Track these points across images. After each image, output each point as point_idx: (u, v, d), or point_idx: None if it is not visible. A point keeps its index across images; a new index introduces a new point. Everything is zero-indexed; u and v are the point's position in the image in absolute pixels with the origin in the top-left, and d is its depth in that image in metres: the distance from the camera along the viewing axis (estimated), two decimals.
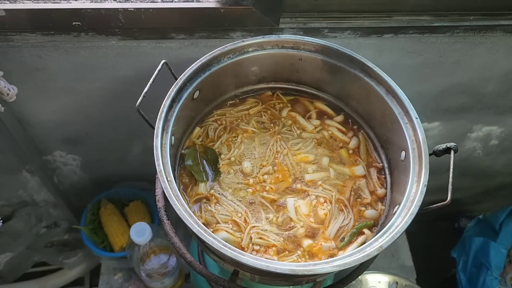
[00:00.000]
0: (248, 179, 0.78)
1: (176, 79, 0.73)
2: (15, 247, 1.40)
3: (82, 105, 1.07)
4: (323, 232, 0.73)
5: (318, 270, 0.57)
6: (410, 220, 0.61)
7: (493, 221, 1.53)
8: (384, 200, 0.77)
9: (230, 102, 0.87)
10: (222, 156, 0.80)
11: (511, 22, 0.94)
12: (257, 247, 0.70)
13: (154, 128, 0.68)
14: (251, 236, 0.71)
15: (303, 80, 0.87)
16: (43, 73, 0.95)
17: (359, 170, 0.80)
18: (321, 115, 0.87)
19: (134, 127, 1.09)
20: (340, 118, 0.87)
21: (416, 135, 0.69)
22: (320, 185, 0.78)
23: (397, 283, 1.24)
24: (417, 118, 0.70)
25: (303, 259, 0.70)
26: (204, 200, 0.75)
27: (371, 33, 0.92)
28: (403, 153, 0.72)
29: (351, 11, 0.88)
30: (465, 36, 0.96)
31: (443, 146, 0.69)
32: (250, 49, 0.79)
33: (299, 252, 0.70)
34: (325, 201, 0.76)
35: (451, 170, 0.65)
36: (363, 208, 0.76)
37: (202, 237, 0.58)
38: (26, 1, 0.81)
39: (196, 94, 0.77)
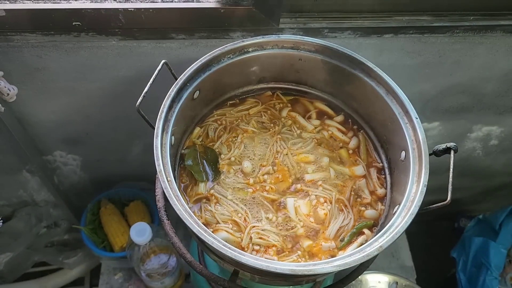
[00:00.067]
0: (248, 179, 0.78)
1: (176, 79, 0.73)
2: (15, 247, 1.40)
3: (82, 105, 1.07)
4: (323, 232, 0.73)
5: (318, 270, 0.57)
6: (410, 220, 0.61)
7: (493, 221, 1.53)
8: (384, 200, 0.77)
9: (230, 102, 0.87)
10: (222, 156, 0.80)
11: (511, 22, 0.94)
12: (257, 247, 0.70)
13: (154, 128, 0.68)
14: (251, 236, 0.71)
15: (303, 80, 0.87)
16: (43, 73, 0.95)
17: (359, 170, 0.80)
18: (321, 115, 0.87)
19: (134, 127, 1.09)
20: (340, 118, 0.87)
21: (416, 135, 0.70)
22: (320, 185, 0.78)
23: (397, 283, 1.24)
24: (417, 118, 0.70)
25: (303, 259, 0.70)
26: (204, 200, 0.75)
27: (371, 33, 0.92)
28: (403, 153, 0.72)
29: (351, 11, 0.88)
30: (465, 36, 0.96)
31: (443, 146, 0.69)
32: (250, 49, 0.79)
33: (299, 252, 0.70)
34: (325, 201, 0.76)
35: (451, 170, 0.65)
36: (363, 208, 0.76)
37: (202, 237, 0.58)
38: (26, 1, 0.81)
39: (196, 94, 0.77)
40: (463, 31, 0.94)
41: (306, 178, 0.78)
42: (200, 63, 0.74)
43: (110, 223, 1.32)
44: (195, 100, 0.78)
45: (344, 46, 0.78)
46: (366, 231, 0.73)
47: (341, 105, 0.87)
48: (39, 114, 1.08)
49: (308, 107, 0.88)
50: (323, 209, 0.75)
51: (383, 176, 0.80)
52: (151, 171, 0.65)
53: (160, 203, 0.71)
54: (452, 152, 0.67)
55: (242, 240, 0.71)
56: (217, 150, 0.81)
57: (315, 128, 0.85)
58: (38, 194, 1.40)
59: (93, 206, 1.36)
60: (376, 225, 0.74)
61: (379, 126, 0.81)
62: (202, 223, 0.64)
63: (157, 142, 0.66)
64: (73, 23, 0.82)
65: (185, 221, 0.59)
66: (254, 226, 0.72)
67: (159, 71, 0.72)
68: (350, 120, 0.86)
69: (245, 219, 0.73)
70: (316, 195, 0.76)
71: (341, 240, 0.72)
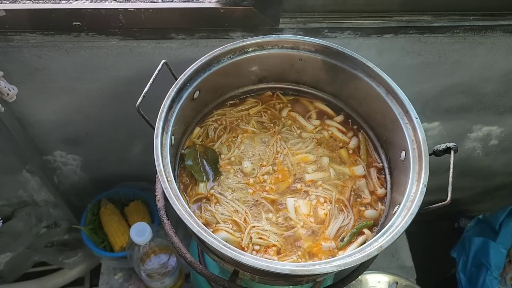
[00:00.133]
0: (248, 179, 0.78)
1: (176, 79, 0.73)
2: (15, 247, 1.40)
3: (82, 105, 1.07)
4: (323, 232, 0.73)
5: (318, 270, 0.57)
6: (410, 220, 0.61)
7: (493, 221, 1.53)
8: (384, 200, 0.77)
9: (230, 102, 0.87)
10: (222, 156, 0.80)
11: (511, 22, 0.94)
12: (257, 247, 0.70)
13: (154, 128, 0.68)
14: (251, 236, 0.71)
15: (303, 80, 0.87)
16: (43, 73, 0.95)
17: (359, 170, 0.80)
18: (321, 115, 0.87)
19: (134, 127, 1.09)
20: (340, 118, 0.87)
21: (416, 135, 0.70)
22: (320, 185, 0.78)
23: (397, 283, 1.24)
24: (417, 118, 0.70)
25: (303, 259, 0.70)
26: (204, 200, 0.75)
27: (371, 33, 0.92)
28: (403, 153, 0.72)
29: (351, 11, 0.88)
30: (465, 36, 0.96)
31: (443, 146, 0.69)
32: (250, 49, 0.79)
33: (299, 252, 0.70)
34: (325, 201, 0.76)
35: (451, 170, 0.65)
36: (363, 208, 0.76)
37: (202, 237, 0.58)
38: (26, 1, 0.81)
39: (196, 94, 0.77)
40: (463, 31, 0.94)
41: (306, 178, 0.78)
42: (200, 63, 0.74)
43: (110, 223, 1.32)
44: (195, 100, 0.78)
45: (344, 46, 0.78)
46: (366, 231, 0.73)
47: (341, 105, 0.87)
48: (39, 114, 1.08)
49: (308, 107, 0.88)
50: (323, 209, 0.75)
51: (383, 176, 0.80)
52: (151, 171, 0.65)
53: (160, 203, 0.71)
54: (452, 152, 0.67)
55: (242, 240, 0.71)
56: (217, 150, 0.81)
57: (315, 128, 0.85)
58: (38, 194, 1.40)
59: (93, 206, 1.36)
60: (376, 225, 0.74)
61: (379, 126, 0.81)
62: (202, 223, 0.64)
63: (157, 142, 0.66)
64: (73, 23, 0.82)
65: (185, 221, 0.59)
66: (254, 226, 0.72)
67: (159, 71, 0.72)
68: (350, 120, 0.86)
69: (245, 219, 0.73)
70: (316, 195, 0.76)
71: (341, 240, 0.72)
